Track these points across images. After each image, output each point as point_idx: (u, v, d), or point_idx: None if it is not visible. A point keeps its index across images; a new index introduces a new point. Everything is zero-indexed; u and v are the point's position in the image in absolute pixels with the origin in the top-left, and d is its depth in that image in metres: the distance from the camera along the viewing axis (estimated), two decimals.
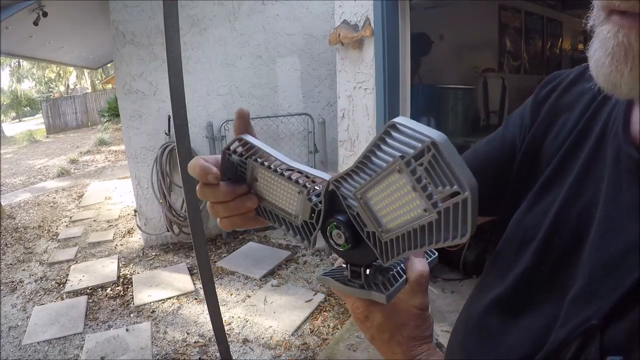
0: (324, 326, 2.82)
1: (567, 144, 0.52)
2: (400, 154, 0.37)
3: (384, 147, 0.39)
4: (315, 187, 0.46)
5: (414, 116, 2.88)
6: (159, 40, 3.73)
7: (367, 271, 0.48)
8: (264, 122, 4.18)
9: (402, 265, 0.50)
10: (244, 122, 0.50)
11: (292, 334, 2.75)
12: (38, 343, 2.84)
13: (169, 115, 3.76)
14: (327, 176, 0.45)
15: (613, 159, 0.45)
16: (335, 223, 0.46)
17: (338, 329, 2.78)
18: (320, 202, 0.46)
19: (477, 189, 0.34)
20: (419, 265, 0.49)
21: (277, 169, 0.48)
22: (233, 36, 4.09)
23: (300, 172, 0.47)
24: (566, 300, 0.45)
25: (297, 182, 0.47)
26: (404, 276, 0.48)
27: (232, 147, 0.50)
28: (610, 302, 0.39)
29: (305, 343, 2.67)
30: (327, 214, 0.46)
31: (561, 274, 0.47)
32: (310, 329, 2.80)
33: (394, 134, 0.38)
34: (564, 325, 0.43)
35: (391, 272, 0.49)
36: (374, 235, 0.43)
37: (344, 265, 0.50)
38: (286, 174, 0.47)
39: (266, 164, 0.48)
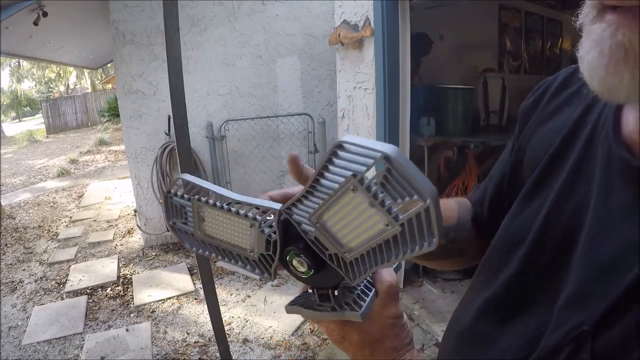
0: None
1: (555, 146, 0.51)
2: (352, 173, 0.36)
3: (333, 167, 0.38)
4: (267, 217, 0.45)
5: (414, 116, 2.88)
6: (159, 40, 3.73)
7: (335, 292, 0.46)
8: (264, 122, 4.18)
9: (368, 278, 0.48)
10: (296, 167, 0.48)
11: (292, 334, 2.75)
12: (38, 343, 2.84)
13: (169, 115, 3.76)
14: (277, 205, 0.44)
15: (603, 161, 0.44)
16: (294, 252, 0.44)
17: None
18: (274, 233, 0.44)
19: (437, 195, 0.34)
20: (386, 275, 0.47)
21: (223, 205, 0.46)
22: (233, 36, 4.09)
23: (249, 204, 0.45)
24: (557, 304, 0.44)
25: (246, 215, 0.45)
26: (373, 289, 0.46)
27: (172, 190, 0.49)
28: (602, 307, 0.38)
29: (305, 343, 2.67)
30: (284, 243, 0.44)
31: (551, 278, 0.46)
32: (310, 329, 2.80)
33: (342, 153, 0.37)
34: (555, 330, 0.42)
35: (359, 288, 0.47)
36: (337, 256, 0.41)
37: (310, 291, 0.48)
38: (234, 208, 0.46)
39: (211, 201, 0.47)
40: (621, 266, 0.38)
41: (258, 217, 0.45)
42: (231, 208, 0.46)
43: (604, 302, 0.38)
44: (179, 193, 0.48)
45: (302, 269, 0.44)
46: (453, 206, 0.71)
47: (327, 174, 0.38)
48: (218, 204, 0.46)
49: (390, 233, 0.37)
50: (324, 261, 0.43)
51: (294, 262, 0.44)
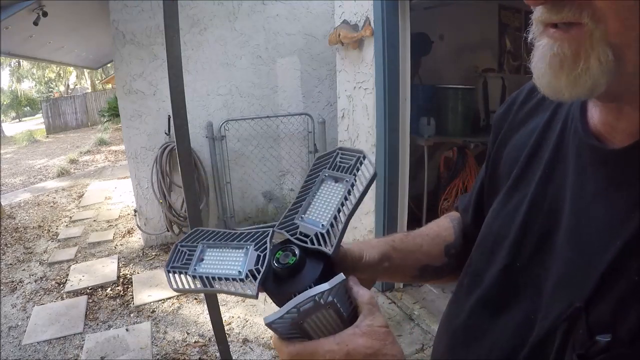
0: None
1: (529, 147, 0.56)
2: (323, 168, 0.54)
3: (311, 175, 0.55)
4: (260, 240, 0.53)
5: (414, 116, 2.88)
6: (159, 40, 3.73)
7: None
8: (264, 122, 4.18)
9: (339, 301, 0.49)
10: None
11: None
12: (38, 343, 2.84)
13: (169, 115, 3.76)
14: (268, 228, 0.54)
15: (575, 153, 0.49)
16: (281, 249, 0.51)
17: None
18: (265, 248, 0.52)
19: (364, 152, 0.52)
20: (362, 290, 0.50)
21: (224, 240, 0.55)
22: (233, 36, 4.09)
23: (248, 231, 0.55)
24: (544, 291, 0.46)
25: (241, 246, 0.54)
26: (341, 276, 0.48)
27: (185, 240, 0.58)
28: (591, 283, 0.40)
29: None
30: (272, 254, 0.52)
31: (536, 268, 0.49)
32: None
33: (315, 162, 0.56)
34: (548, 314, 0.44)
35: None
36: (316, 236, 0.51)
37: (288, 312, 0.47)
38: (232, 243, 0.55)
39: (215, 242, 0.56)
40: (602, 243, 0.41)
41: (252, 242, 0.54)
42: (230, 242, 0.55)
43: (591, 280, 0.41)
44: (189, 243, 0.57)
45: (287, 260, 0.50)
46: (447, 224, 0.75)
47: (306, 182, 0.55)
48: (219, 242, 0.55)
49: (348, 184, 0.51)
50: (307, 250, 0.50)
51: (280, 259, 0.50)
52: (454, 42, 3.61)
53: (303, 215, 0.53)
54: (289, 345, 0.47)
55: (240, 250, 0.53)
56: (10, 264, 4.19)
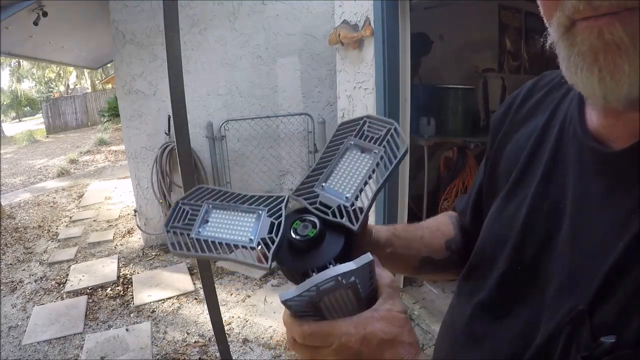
0: None
1: (528, 149, 0.56)
2: (348, 137, 0.50)
3: (333, 141, 0.50)
4: (274, 206, 0.49)
5: (414, 116, 2.88)
6: (159, 40, 3.73)
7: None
8: (264, 122, 4.17)
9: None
10: None
11: None
12: (38, 343, 2.84)
13: (169, 115, 3.76)
14: (283, 194, 0.50)
15: (576, 156, 0.48)
16: (299, 219, 0.47)
17: None
18: (280, 216, 0.48)
19: (397, 123, 0.48)
20: (384, 272, 0.48)
21: (233, 201, 0.50)
22: (233, 36, 4.09)
23: (259, 196, 0.50)
24: (546, 295, 0.46)
25: (253, 210, 0.49)
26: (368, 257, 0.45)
27: (187, 198, 0.51)
28: (594, 286, 0.40)
29: None
30: (287, 223, 0.47)
31: (538, 271, 0.49)
32: None
33: (339, 128, 0.51)
34: (551, 317, 0.44)
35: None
36: (339, 208, 0.47)
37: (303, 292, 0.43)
38: (242, 206, 0.50)
39: (222, 202, 0.50)
40: (605, 246, 0.41)
41: (265, 207, 0.49)
42: (240, 204, 0.49)
43: (595, 282, 0.40)
44: (191, 201, 0.51)
45: (305, 232, 0.46)
46: (446, 221, 0.75)
47: (328, 148, 0.51)
48: (227, 203, 0.50)
49: (377, 156, 0.48)
50: (327, 222, 0.47)
51: (299, 229, 0.46)
52: (454, 42, 3.61)
53: (324, 184, 0.49)
54: (302, 324, 0.44)
55: (251, 215, 0.49)
56: (10, 264, 4.19)
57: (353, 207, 0.46)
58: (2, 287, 3.70)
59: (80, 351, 2.73)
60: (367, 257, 0.42)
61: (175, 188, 4.04)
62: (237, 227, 0.48)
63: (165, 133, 4.04)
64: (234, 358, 2.42)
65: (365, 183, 0.47)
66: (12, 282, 3.79)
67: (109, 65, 12.05)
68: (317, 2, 4.20)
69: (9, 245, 4.72)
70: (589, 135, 0.47)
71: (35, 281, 3.78)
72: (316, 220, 0.46)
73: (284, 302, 0.42)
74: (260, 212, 0.48)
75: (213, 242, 0.47)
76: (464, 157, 3.33)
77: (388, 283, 0.46)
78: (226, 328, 2.50)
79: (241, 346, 2.68)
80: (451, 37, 3.60)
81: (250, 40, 4.14)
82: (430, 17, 3.36)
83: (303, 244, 0.46)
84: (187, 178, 1.67)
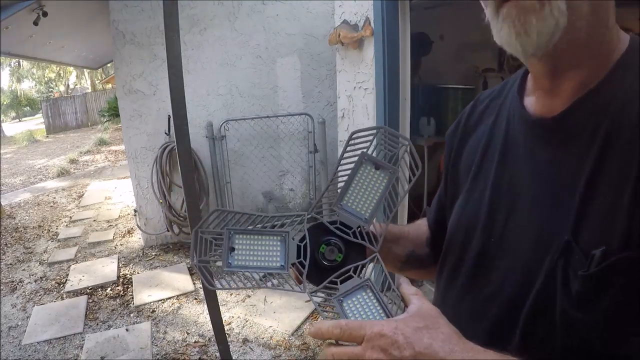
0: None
1: (482, 146, 0.63)
2: (361, 151, 0.49)
3: (347, 157, 0.50)
4: (296, 225, 0.50)
5: (414, 116, 2.88)
6: (159, 40, 3.73)
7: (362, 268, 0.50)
8: (264, 122, 4.17)
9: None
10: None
11: (292, 334, 2.75)
12: (38, 343, 2.84)
13: (169, 115, 3.76)
14: (302, 212, 0.51)
15: (522, 134, 0.56)
16: (325, 243, 0.49)
17: None
18: (304, 237, 0.49)
19: (409, 140, 0.50)
20: (408, 287, 0.51)
21: (256, 226, 0.50)
22: (233, 36, 4.09)
23: (280, 216, 0.51)
24: (521, 252, 0.52)
25: (276, 231, 0.50)
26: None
27: (205, 225, 0.50)
28: (571, 218, 0.47)
29: (305, 343, 2.67)
30: (313, 245, 0.49)
31: (510, 237, 0.55)
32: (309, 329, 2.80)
33: (351, 142, 0.51)
34: (538, 267, 0.49)
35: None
36: (359, 230, 0.49)
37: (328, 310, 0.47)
38: (265, 229, 0.50)
39: (243, 226, 0.50)
40: (569, 188, 0.48)
41: (287, 229, 0.50)
42: (262, 228, 0.50)
43: (570, 214, 0.47)
44: (210, 228, 0.50)
45: (333, 256, 0.48)
46: (424, 222, 0.83)
47: (343, 163, 0.50)
48: (250, 227, 0.50)
49: (393, 176, 0.49)
50: (349, 242, 0.49)
51: (326, 253, 0.49)
52: (454, 42, 3.61)
53: (341, 203, 0.50)
54: (339, 320, 0.46)
55: (276, 238, 0.50)
56: (10, 264, 4.19)
57: (372, 229, 0.50)
58: (2, 287, 3.70)
59: (80, 351, 2.73)
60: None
61: (175, 188, 4.04)
62: (265, 253, 0.49)
63: (165, 133, 4.04)
64: (234, 358, 2.42)
65: (383, 205, 0.50)
66: (12, 282, 3.79)
67: (109, 65, 12.05)
68: (317, 2, 4.20)
69: (9, 245, 4.72)
70: (530, 113, 0.56)
71: (35, 281, 3.78)
72: (341, 245, 0.49)
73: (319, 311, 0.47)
74: (284, 235, 0.49)
75: (248, 272, 0.49)
76: None
77: (414, 291, 0.50)
78: (226, 328, 2.50)
79: (241, 346, 2.68)
80: (451, 37, 3.60)
81: (250, 40, 4.14)
82: (430, 17, 3.36)
83: (331, 267, 0.49)
84: (187, 178, 1.67)
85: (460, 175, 0.68)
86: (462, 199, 0.65)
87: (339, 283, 0.47)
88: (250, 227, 0.50)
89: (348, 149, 0.50)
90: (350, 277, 0.47)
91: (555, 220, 0.49)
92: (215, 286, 0.49)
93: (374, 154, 0.50)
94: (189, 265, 3.80)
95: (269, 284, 0.47)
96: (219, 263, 0.50)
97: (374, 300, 0.46)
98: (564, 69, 0.51)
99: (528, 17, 0.46)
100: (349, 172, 0.50)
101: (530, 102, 0.57)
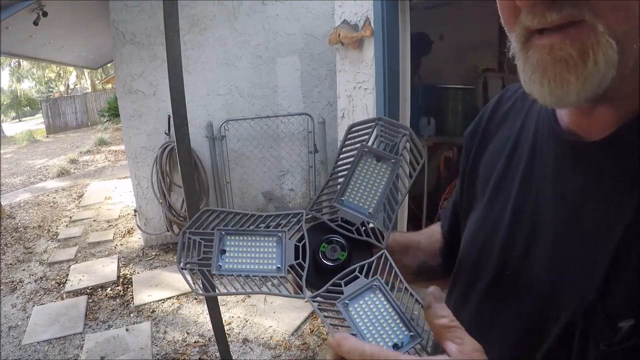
0: (323, 326, 2.81)
1: (505, 155, 0.56)
2: (360, 143, 0.47)
3: (345, 150, 0.47)
4: (293, 225, 0.46)
5: (414, 116, 2.88)
6: (159, 40, 3.73)
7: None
8: (264, 122, 4.17)
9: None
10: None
11: (292, 334, 2.75)
12: (38, 343, 2.84)
13: (169, 115, 3.76)
14: (299, 210, 0.47)
15: (553, 152, 0.49)
16: (326, 242, 0.45)
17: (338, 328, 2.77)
18: (302, 237, 0.45)
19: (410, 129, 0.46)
20: (439, 311, 0.42)
21: (249, 227, 0.46)
22: (233, 36, 4.09)
23: (275, 215, 0.46)
24: (540, 294, 0.45)
25: (271, 232, 0.45)
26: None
27: (193, 226, 0.46)
28: (600, 274, 0.39)
29: (305, 343, 2.67)
30: (313, 244, 0.45)
31: (526, 272, 0.48)
32: (310, 329, 2.80)
33: (349, 135, 0.47)
34: (555, 317, 0.43)
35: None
36: (363, 226, 0.46)
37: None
38: (259, 229, 0.46)
39: (234, 227, 0.46)
40: (601, 234, 0.41)
41: (284, 229, 0.46)
42: (256, 228, 0.46)
43: (599, 269, 0.40)
44: (200, 229, 0.46)
45: (335, 255, 0.45)
46: (438, 229, 0.76)
47: (342, 157, 0.47)
48: (242, 228, 0.45)
49: (396, 167, 0.46)
50: (352, 239, 0.46)
51: (327, 253, 0.45)
52: (454, 42, 3.61)
53: (342, 198, 0.46)
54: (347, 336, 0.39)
55: (271, 239, 0.46)
56: (10, 264, 4.19)
57: (377, 224, 0.46)
58: (2, 287, 3.70)
59: (80, 351, 2.73)
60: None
61: (175, 188, 4.04)
62: (259, 255, 0.45)
63: (165, 133, 4.04)
64: (234, 358, 2.42)
65: (387, 197, 0.46)
66: (12, 282, 3.80)
67: (109, 65, 12.06)
68: (317, 2, 4.20)
69: (9, 245, 4.72)
70: (564, 130, 0.47)
71: (35, 281, 3.78)
72: (344, 242, 0.45)
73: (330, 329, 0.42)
74: (280, 234, 0.45)
75: (239, 276, 0.44)
76: None
77: (448, 322, 0.39)
78: (226, 328, 2.50)
79: (241, 346, 2.68)
80: (451, 37, 3.60)
81: (250, 40, 4.14)
82: (430, 17, 3.36)
83: (334, 268, 0.44)
84: (187, 178, 1.67)
85: (477, 183, 0.62)
86: (478, 212, 0.59)
87: (343, 285, 0.43)
88: (243, 228, 0.46)
89: (347, 142, 0.47)
90: (356, 277, 0.43)
91: (580, 268, 0.42)
92: (200, 291, 0.44)
93: (374, 146, 0.46)
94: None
95: (264, 288, 0.44)
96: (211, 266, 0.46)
97: (385, 303, 0.42)
98: (606, 97, 0.41)
99: (565, 74, 0.37)
100: (348, 166, 0.47)
101: (565, 113, 0.48)
